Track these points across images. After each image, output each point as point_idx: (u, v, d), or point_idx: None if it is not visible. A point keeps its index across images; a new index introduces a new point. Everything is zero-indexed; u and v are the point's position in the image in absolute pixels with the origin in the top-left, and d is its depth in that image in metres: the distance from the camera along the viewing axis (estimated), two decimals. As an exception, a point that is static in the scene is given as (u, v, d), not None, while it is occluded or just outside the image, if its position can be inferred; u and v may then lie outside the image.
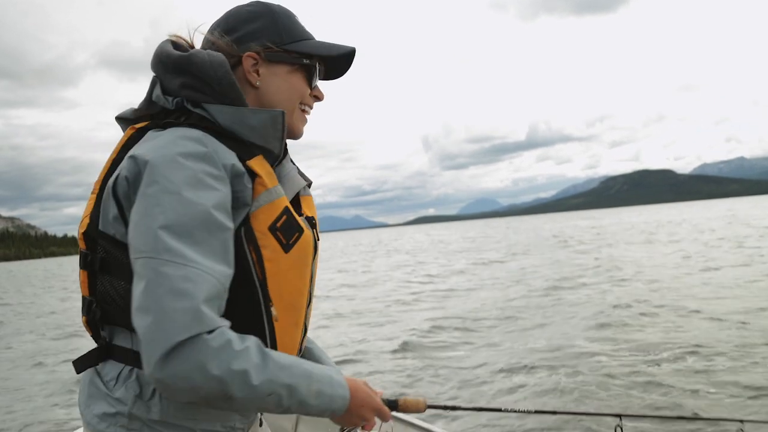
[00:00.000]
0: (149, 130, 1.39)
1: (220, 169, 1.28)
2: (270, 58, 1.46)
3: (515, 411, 1.94)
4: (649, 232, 40.47)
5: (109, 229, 1.32)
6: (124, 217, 1.29)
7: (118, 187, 1.29)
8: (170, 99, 1.42)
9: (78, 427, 2.76)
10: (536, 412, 1.99)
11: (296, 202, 1.56)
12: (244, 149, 1.37)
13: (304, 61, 1.49)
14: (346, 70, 1.61)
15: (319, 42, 1.53)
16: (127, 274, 1.27)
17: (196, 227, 1.20)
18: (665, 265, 18.48)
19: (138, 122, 1.45)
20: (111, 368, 1.35)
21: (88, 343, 1.36)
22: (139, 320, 1.13)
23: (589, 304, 12.36)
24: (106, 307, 1.36)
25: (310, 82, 1.52)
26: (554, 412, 1.90)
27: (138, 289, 1.15)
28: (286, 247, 1.37)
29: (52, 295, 30.76)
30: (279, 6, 1.53)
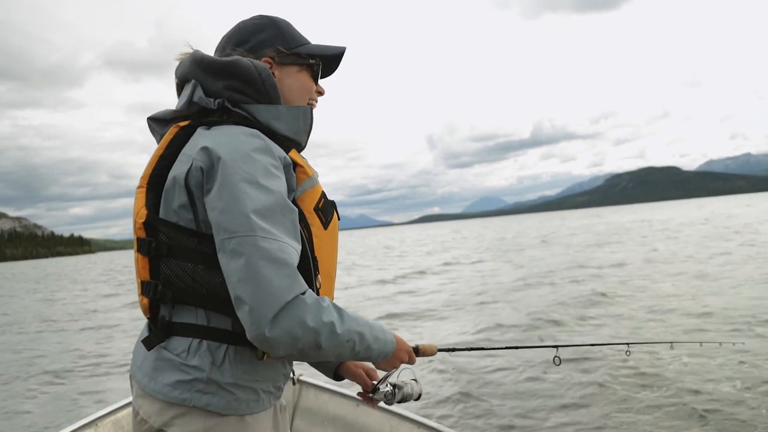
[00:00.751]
0: (194, 128, 1.56)
1: (277, 160, 1.47)
2: (282, 61, 1.67)
3: (494, 348, 2.27)
4: (631, 232, 41.20)
5: (172, 217, 1.48)
6: (193, 204, 1.46)
7: (191, 177, 1.44)
8: (212, 100, 1.57)
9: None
10: (505, 347, 2.33)
11: None
12: (281, 143, 1.55)
13: (310, 61, 1.71)
14: (336, 68, 1.83)
15: (318, 44, 1.75)
16: (194, 256, 1.46)
17: (276, 210, 1.39)
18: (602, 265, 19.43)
19: (175, 122, 1.60)
20: (178, 342, 1.48)
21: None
22: (244, 290, 1.31)
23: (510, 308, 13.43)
24: (173, 288, 1.49)
25: (315, 79, 1.73)
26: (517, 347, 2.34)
27: (237, 264, 1.33)
28: (325, 225, 1.58)
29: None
30: (278, 17, 1.74)
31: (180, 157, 1.51)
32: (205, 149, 1.44)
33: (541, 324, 10.60)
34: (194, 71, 1.60)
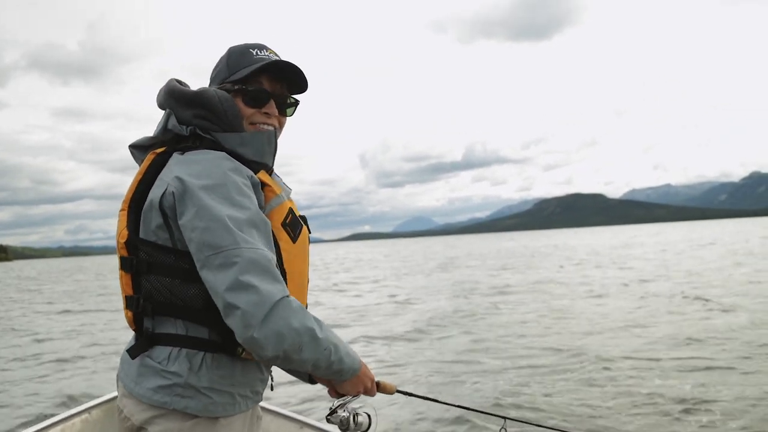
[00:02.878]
0: (170, 154, 1.68)
1: (247, 179, 1.60)
2: (227, 92, 1.74)
3: (448, 404, 2.36)
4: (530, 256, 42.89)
5: (150, 237, 1.59)
6: (168, 225, 1.57)
7: (165, 201, 1.56)
8: (184, 127, 1.69)
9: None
10: (458, 406, 2.39)
11: None
12: (249, 165, 1.67)
13: (235, 87, 1.75)
14: (301, 81, 1.83)
15: (247, 67, 1.75)
16: (171, 271, 1.57)
17: (253, 223, 1.52)
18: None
19: (153, 148, 1.74)
20: (160, 351, 1.60)
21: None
22: (236, 297, 1.41)
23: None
24: (153, 301, 1.60)
25: (249, 102, 1.76)
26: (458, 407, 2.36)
27: (225, 275, 1.43)
28: (294, 239, 1.68)
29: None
30: (239, 45, 1.82)
31: (157, 182, 1.63)
32: (179, 178, 1.55)
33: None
34: (168, 101, 1.74)
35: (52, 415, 3.05)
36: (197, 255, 1.49)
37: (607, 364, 8.97)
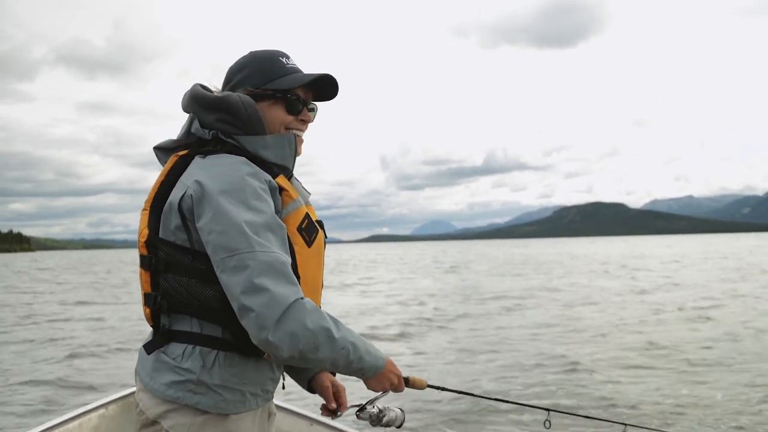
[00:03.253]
0: (192, 157, 1.72)
1: (265, 184, 1.63)
2: (257, 96, 1.77)
3: (484, 397, 2.37)
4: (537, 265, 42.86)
5: (170, 237, 1.64)
6: (186, 227, 1.61)
7: (184, 203, 1.60)
8: (207, 131, 1.73)
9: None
10: (488, 397, 2.42)
11: None
12: (268, 170, 1.70)
13: (278, 95, 1.78)
14: (333, 91, 1.89)
15: (291, 77, 1.79)
16: (188, 271, 1.61)
17: (269, 227, 1.55)
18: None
19: (176, 150, 1.77)
20: (175, 348, 1.65)
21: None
22: (250, 299, 1.44)
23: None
24: (170, 299, 1.65)
25: (291, 110, 1.80)
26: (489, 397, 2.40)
27: (240, 278, 1.47)
28: (309, 243, 1.71)
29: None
30: (264, 52, 1.84)
31: (178, 184, 1.67)
32: (199, 182, 1.60)
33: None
34: (192, 105, 1.78)
35: (70, 410, 3.09)
36: (213, 257, 1.53)
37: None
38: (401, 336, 13.48)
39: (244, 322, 1.48)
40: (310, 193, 1.91)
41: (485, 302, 19.44)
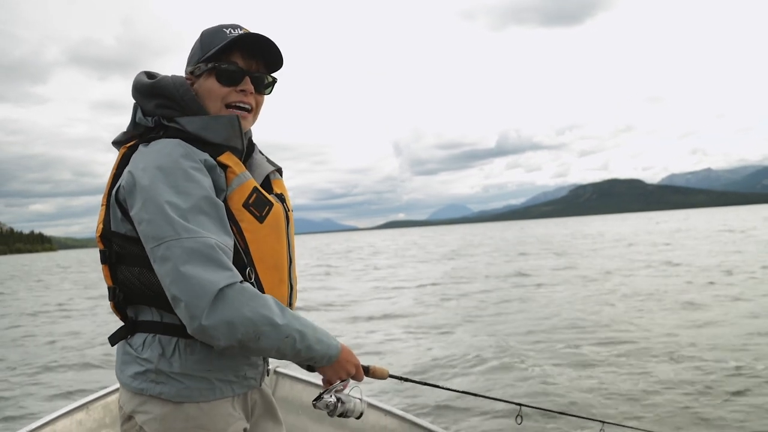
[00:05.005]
0: (137, 147, 1.66)
1: (199, 163, 1.57)
2: (195, 73, 1.73)
3: (450, 389, 2.27)
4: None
5: (120, 228, 1.61)
6: (127, 217, 1.58)
7: (119, 194, 1.58)
8: (149, 119, 1.70)
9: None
10: (462, 392, 2.34)
11: (267, 184, 1.80)
12: (214, 149, 1.65)
13: (209, 66, 1.69)
14: (275, 57, 1.75)
15: (218, 46, 1.67)
16: (139, 261, 1.58)
17: (199, 209, 1.49)
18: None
19: (128, 143, 1.72)
20: (138, 338, 1.63)
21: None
22: (178, 288, 1.40)
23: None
24: (127, 290, 1.64)
25: (223, 80, 1.70)
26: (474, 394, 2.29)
27: (167, 267, 1.43)
28: (261, 219, 1.64)
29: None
30: (211, 28, 1.75)
31: (121, 176, 1.63)
32: (130, 172, 1.56)
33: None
34: (135, 95, 1.74)
35: (55, 410, 3.10)
36: (146, 247, 1.50)
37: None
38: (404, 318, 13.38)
39: (177, 312, 1.45)
40: (277, 167, 1.87)
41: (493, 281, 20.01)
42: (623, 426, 3.41)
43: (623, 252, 30.41)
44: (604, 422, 2.56)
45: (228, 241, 1.53)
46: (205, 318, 1.39)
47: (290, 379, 3.76)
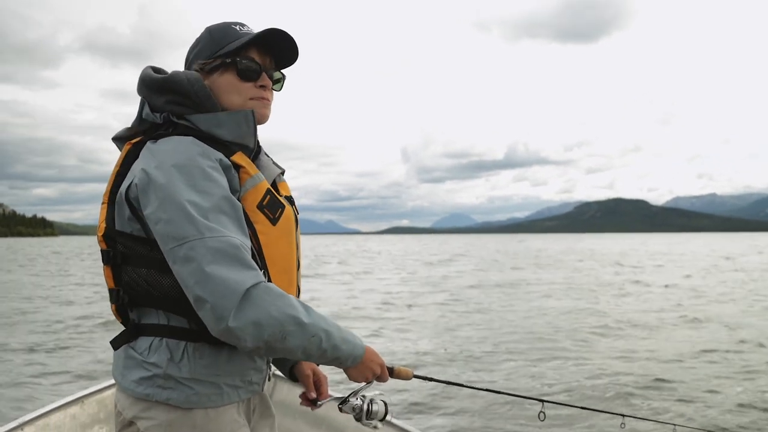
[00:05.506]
0: (144, 143, 1.60)
1: (215, 162, 1.52)
2: (206, 69, 1.68)
3: (474, 388, 2.25)
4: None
5: (126, 228, 1.55)
6: (137, 216, 1.52)
7: (131, 192, 1.52)
8: (158, 115, 1.65)
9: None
10: (486, 390, 2.30)
11: (274, 187, 1.74)
12: (225, 149, 1.60)
13: (227, 61, 1.66)
14: (291, 53, 1.75)
15: (238, 40, 1.66)
16: (146, 262, 1.53)
17: (219, 209, 1.45)
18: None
19: (132, 138, 1.66)
20: (143, 342, 1.57)
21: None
22: (203, 289, 1.36)
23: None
24: (132, 293, 1.58)
25: (243, 76, 1.67)
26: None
27: (190, 267, 1.38)
28: (274, 221, 1.61)
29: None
30: (218, 23, 1.73)
31: (128, 174, 1.58)
32: (144, 170, 1.50)
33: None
34: (142, 89, 1.68)
35: (47, 404, 3.08)
36: (163, 248, 1.45)
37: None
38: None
39: (201, 314, 1.40)
40: (282, 169, 1.84)
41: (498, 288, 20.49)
42: (643, 419, 3.46)
43: (598, 268, 31.74)
44: (624, 416, 2.59)
45: (247, 242, 1.50)
46: (232, 319, 1.35)
47: (288, 383, 3.65)
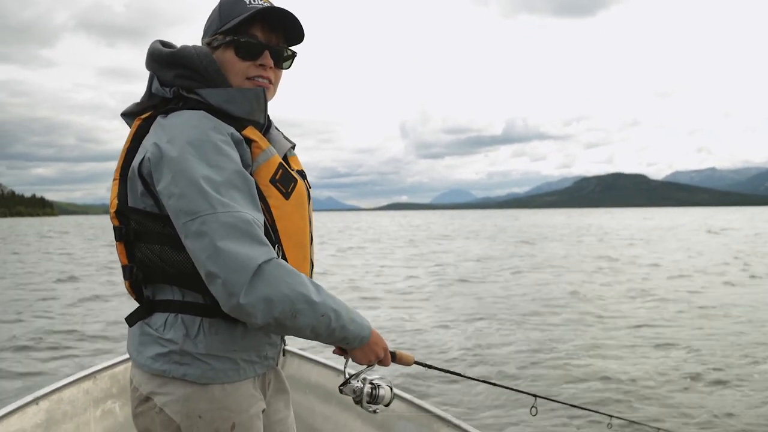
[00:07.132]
0: (154, 118, 1.59)
1: (227, 136, 1.52)
2: (212, 45, 1.67)
3: (471, 378, 2.26)
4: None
5: (138, 204, 1.54)
6: (150, 192, 1.51)
7: (143, 167, 1.51)
8: (168, 89, 1.63)
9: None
10: (484, 381, 2.35)
11: (285, 161, 1.72)
12: (236, 123, 1.58)
13: (228, 39, 1.63)
14: (296, 31, 1.71)
15: (238, 17, 1.62)
16: (160, 238, 1.53)
17: (232, 183, 1.44)
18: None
19: (142, 114, 1.64)
20: (158, 318, 1.57)
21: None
22: (214, 264, 1.35)
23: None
24: (146, 269, 1.58)
25: (241, 54, 1.64)
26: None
27: (203, 242, 1.37)
28: (287, 195, 1.60)
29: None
30: None
31: (140, 149, 1.58)
32: (156, 144, 1.49)
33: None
34: (151, 64, 1.67)
35: (59, 379, 3.09)
36: (176, 222, 1.44)
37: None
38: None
39: (212, 290, 1.40)
40: (293, 144, 1.83)
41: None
42: (630, 420, 3.51)
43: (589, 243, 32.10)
44: (612, 416, 2.61)
45: (260, 217, 1.49)
46: (243, 295, 1.35)
47: (298, 358, 3.75)
